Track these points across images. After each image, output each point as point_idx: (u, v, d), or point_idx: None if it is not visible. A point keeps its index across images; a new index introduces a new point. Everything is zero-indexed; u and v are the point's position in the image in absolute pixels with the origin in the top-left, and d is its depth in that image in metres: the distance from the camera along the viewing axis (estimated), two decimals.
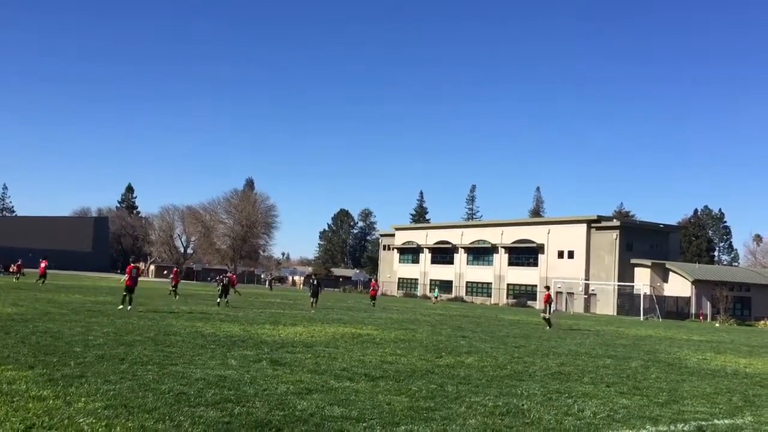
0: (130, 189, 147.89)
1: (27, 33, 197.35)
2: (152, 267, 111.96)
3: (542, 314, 29.90)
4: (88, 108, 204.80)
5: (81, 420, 7.00)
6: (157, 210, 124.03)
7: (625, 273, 72.53)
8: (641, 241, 75.55)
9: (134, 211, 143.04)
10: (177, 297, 35.65)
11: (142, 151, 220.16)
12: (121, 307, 23.78)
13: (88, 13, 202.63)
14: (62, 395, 8.15)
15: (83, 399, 8.01)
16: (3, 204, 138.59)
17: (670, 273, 71.75)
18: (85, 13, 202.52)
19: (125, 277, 24.46)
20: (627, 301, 71.00)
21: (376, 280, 47.64)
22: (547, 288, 32.30)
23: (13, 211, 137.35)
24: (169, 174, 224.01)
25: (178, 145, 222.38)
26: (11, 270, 64.38)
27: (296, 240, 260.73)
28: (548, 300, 30.24)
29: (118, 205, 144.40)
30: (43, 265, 42.33)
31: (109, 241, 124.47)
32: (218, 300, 31.74)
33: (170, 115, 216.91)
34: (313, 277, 50.46)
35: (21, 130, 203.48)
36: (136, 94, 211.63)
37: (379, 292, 50.09)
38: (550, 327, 29.74)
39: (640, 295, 65.16)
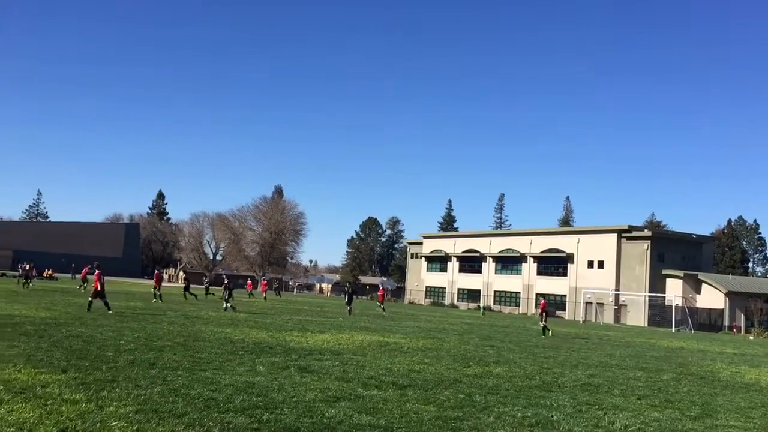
0: (161, 195, 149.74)
1: (59, 38, 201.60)
2: (182, 273, 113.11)
3: (541, 322, 31.36)
4: (121, 115, 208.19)
5: (113, 424, 7.09)
6: (187, 216, 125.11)
7: (657, 284, 71.53)
8: (673, 251, 74.47)
9: (165, 218, 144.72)
10: (155, 300, 34.50)
11: (174, 158, 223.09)
12: (111, 312, 23.40)
13: (118, 18, 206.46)
14: (94, 399, 8.27)
15: (115, 403, 8.11)
16: (37, 210, 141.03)
17: (703, 284, 70.61)
18: (114, 18, 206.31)
19: (93, 283, 24.28)
20: (658, 312, 69.97)
21: (384, 287, 48.51)
22: (543, 297, 35.73)
23: (47, 217, 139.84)
24: (199, 181, 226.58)
25: (209, 152, 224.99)
26: (46, 275, 65.53)
27: (324, 247, 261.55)
28: (544, 309, 31.67)
29: (149, 212, 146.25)
30: (85, 270, 43.93)
31: (140, 247, 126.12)
32: (226, 305, 31.55)
33: (202, 123, 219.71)
34: (348, 285, 50.69)
35: (55, 137, 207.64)
36: (169, 101, 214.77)
37: (406, 299, 50.04)
38: (548, 334, 30.54)
39: (671, 306, 64.17)
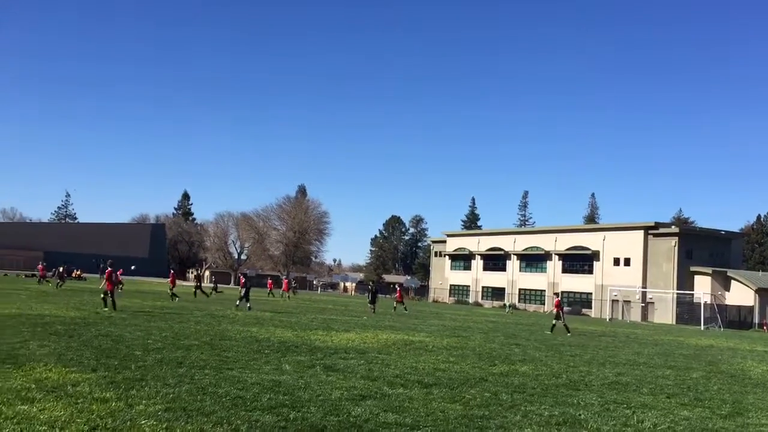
0: (186, 196, 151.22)
1: (83, 40, 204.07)
2: (207, 272, 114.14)
3: (555, 320, 30.27)
4: (140, 116, 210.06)
5: (143, 422, 7.17)
6: (212, 217, 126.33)
7: (685, 281, 70.61)
8: (701, 248, 73.47)
9: (190, 218, 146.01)
10: (176, 299, 34.70)
11: (199, 158, 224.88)
12: (106, 309, 23.55)
13: (146, 19, 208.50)
14: (124, 398, 8.37)
15: (144, 402, 8.21)
16: (66, 211, 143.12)
17: (732, 281, 69.57)
18: (141, 20, 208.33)
19: (104, 281, 24.52)
20: (687, 310, 69.10)
21: (401, 287, 49.02)
22: (557, 295, 34.88)
23: (75, 218, 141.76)
24: (223, 181, 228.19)
25: (231, 153, 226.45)
26: (75, 275, 66.47)
27: (348, 246, 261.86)
28: (559, 306, 30.62)
29: (175, 212, 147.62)
30: (120, 271, 44.39)
31: (166, 247, 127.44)
32: (247, 304, 31.57)
33: (225, 123, 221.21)
34: (371, 284, 50.94)
35: (84, 139, 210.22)
36: (193, 101, 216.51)
37: (431, 298, 50.00)
38: (549, 332, 29.64)
39: (700, 303, 63.31)
